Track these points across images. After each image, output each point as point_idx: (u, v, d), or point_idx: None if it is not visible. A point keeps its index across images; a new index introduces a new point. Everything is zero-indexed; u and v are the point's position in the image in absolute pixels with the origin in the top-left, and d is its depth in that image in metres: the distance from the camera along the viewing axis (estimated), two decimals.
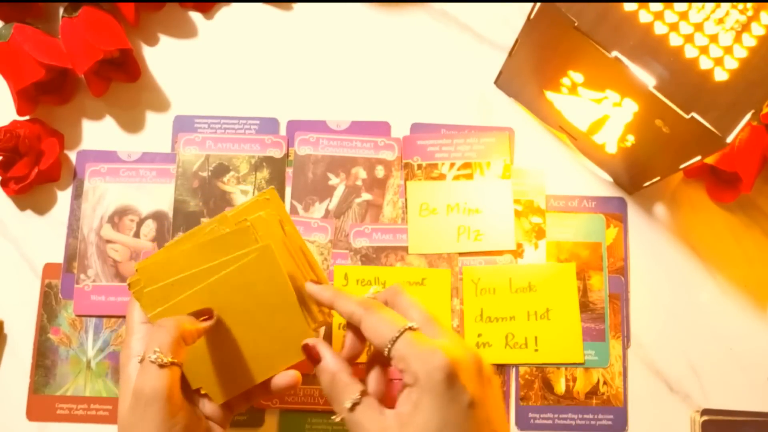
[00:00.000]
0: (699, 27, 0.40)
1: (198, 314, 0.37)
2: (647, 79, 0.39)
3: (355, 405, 0.34)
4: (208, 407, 0.40)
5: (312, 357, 0.37)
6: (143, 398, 0.34)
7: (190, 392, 0.39)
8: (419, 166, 0.54)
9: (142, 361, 0.34)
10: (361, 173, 0.54)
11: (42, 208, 0.54)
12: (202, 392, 0.39)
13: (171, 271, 0.38)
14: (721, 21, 0.40)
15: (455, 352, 0.33)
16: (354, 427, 0.34)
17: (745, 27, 0.40)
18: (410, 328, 0.34)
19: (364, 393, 0.35)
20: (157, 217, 0.53)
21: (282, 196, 0.53)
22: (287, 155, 0.54)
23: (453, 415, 0.32)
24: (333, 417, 0.35)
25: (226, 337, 0.38)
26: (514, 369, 0.51)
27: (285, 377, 0.40)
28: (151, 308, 0.38)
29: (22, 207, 0.54)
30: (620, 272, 0.53)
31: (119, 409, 0.36)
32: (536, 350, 0.51)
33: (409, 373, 0.33)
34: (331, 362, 0.36)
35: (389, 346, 0.33)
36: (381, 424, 0.33)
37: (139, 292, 0.38)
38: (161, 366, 0.34)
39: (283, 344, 0.38)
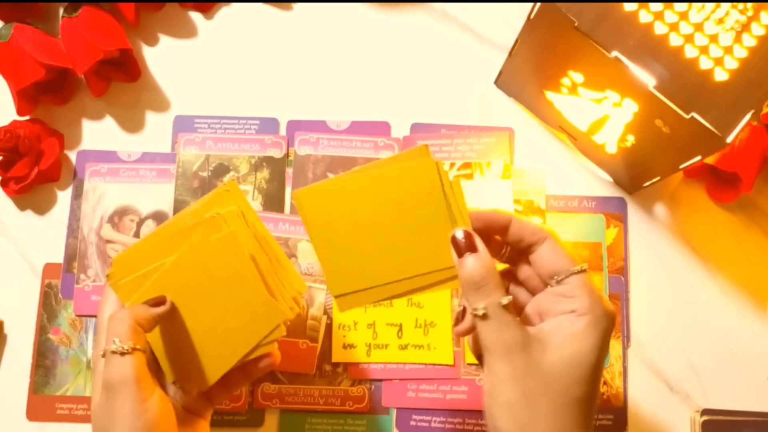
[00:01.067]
0: (699, 27, 0.40)
1: (154, 303, 0.37)
2: (647, 79, 0.39)
3: (509, 303, 0.34)
4: (186, 397, 0.40)
5: (468, 246, 0.35)
6: (112, 388, 0.34)
7: (166, 383, 0.40)
8: None
9: (104, 355, 0.35)
10: None
11: (42, 208, 0.54)
12: (178, 385, 0.39)
13: (145, 263, 0.39)
14: (721, 21, 0.40)
15: None
16: (499, 325, 0.33)
17: (745, 27, 0.40)
18: (589, 270, 0.36)
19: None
20: (157, 217, 0.53)
21: (282, 196, 0.53)
22: (287, 155, 0.54)
23: (603, 358, 0.34)
24: (477, 308, 0.33)
25: (193, 323, 0.39)
26: None
27: (266, 359, 0.40)
28: (128, 299, 0.38)
29: (22, 207, 0.54)
30: (620, 272, 0.53)
31: (92, 405, 0.36)
32: None
33: (586, 302, 0.34)
34: (489, 256, 0.35)
35: (571, 272, 0.35)
36: (525, 334, 0.33)
37: (115, 284, 0.39)
38: (123, 354, 0.34)
39: (252, 325, 0.39)
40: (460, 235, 0.35)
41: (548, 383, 0.32)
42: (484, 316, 0.33)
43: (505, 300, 0.33)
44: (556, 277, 0.35)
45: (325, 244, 0.37)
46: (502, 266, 0.39)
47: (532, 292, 0.37)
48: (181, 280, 0.38)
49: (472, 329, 0.35)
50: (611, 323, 0.34)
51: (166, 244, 0.38)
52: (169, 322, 0.38)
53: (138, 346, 0.35)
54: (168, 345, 0.39)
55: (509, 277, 0.39)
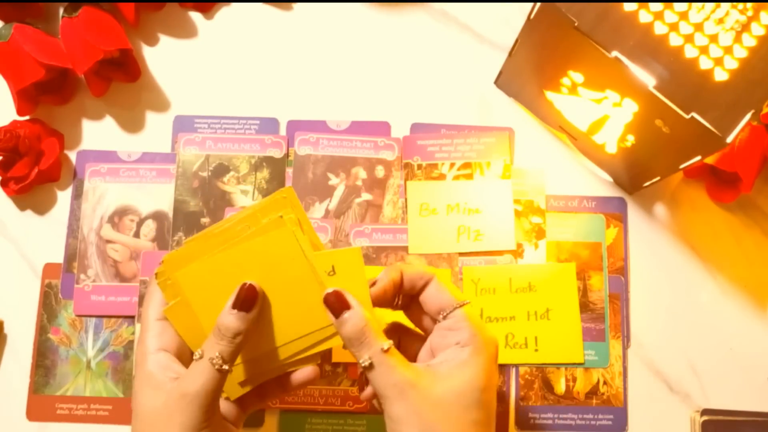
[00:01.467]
0: (699, 27, 0.40)
1: (243, 304, 0.37)
2: (647, 79, 0.39)
3: (390, 348, 0.35)
4: (222, 405, 0.40)
5: (339, 305, 0.37)
6: (189, 395, 0.34)
7: None
8: (419, 166, 0.54)
9: (199, 358, 0.35)
10: (361, 173, 0.54)
11: (42, 208, 0.54)
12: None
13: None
14: (721, 21, 0.40)
15: None
16: (385, 370, 0.35)
17: (745, 27, 0.40)
18: (469, 304, 0.38)
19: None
20: (157, 217, 0.53)
21: None
22: (287, 155, 0.54)
23: (494, 381, 0.36)
24: (362, 361, 0.35)
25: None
26: (514, 369, 0.51)
27: (305, 372, 0.40)
28: (173, 299, 0.38)
29: (22, 207, 0.54)
30: (620, 272, 0.53)
31: (137, 402, 0.36)
32: (536, 350, 0.51)
33: (468, 333, 0.36)
34: (362, 310, 0.37)
35: (454, 307, 0.37)
36: (413, 371, 0.35)
37: (163, 283, 0.38)
38: (218, 371, 0.35)
39: (308, 335, 0.39)
40: (331, 296, 0.37)
41: (443, 412, 0.34)
42: (370, 366, 0.35)
43: (386, 345, 0.35)
44: (442, 313, 0.38)
45: (211, 318, 0.38)
46: (396, 317, 0.42)
47: (427, 334, 0.40)
48: (236, 270, 0.38)
49: (373, 394, 0.37)
50: (494, 349, 0.37)
51: (219, 248, 0.38)
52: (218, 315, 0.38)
53: (231, 367, 0.36)
54: None
55: (401, 329, 0.41)
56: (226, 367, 0.35)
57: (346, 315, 0.36)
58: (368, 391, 0.38)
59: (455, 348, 0.36)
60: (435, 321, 0.38)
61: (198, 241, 0.39)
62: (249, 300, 0.37)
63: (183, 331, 0.39)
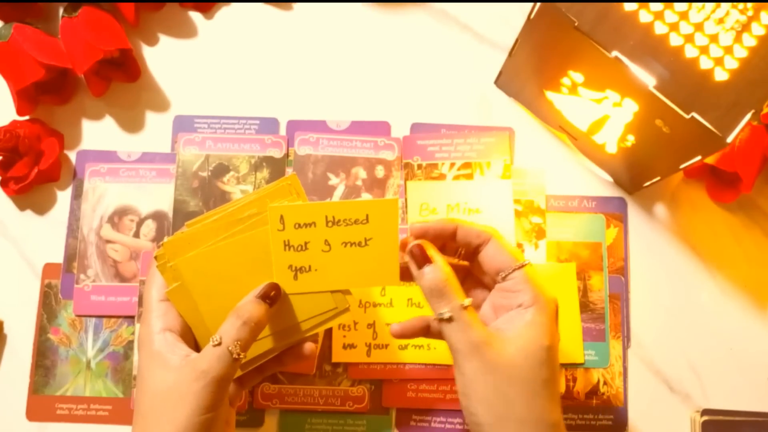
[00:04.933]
0: (699, 27, 0.40)
1: (265, 294, 0.38)
2: (647, 79, 0.39)
3: (469, 305, 0.36)
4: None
5: (422, 258, 0.38)
6: (204, 379, 0.35)
7: None
8: (419, 166, 0.54)
9: (218, 344, 0.36)
10: (361, 173, 0.54)
11: (42, 208, 0.54)
12: None
13: (196, 247, 0.39)
14: (721, 21, 0.40)
15: None
16: (463, 326, 0.36)
17: (745, 27, 0.40)
18: (530, 263, 0.38)
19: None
20: (157, 217, 0.53)
21: None
22: (287, 155, 0.54)
23: (556, 339, 0.37)
24: (442, 312, 0.36)
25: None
26: None
27: (303, 348, 0.41)
28: (174, 282, 0.39)
29: (22, 207, 0.54)
30: (620, 272, 0.53)
31: (144, 381, 0.36)
32: None
33: (529, 295, 0.37)
34: (444, 265, 0.38)
35: (513, 268, 0.38)
36: (486, 330, 0.36)
37: (163, 266, 0.39)
38: (235, 359, 0.36)
39: (309, 319, 0.40)
40: (415, 248, 0.38)
41: (515, 372, 0.35)
42: (450, 319, 0.36)
43: (466, 302, 0.36)
44: (501, 274, 0.38)
45: (211, 304, 0.39)
46: (462, 263, 0.42)
47: (489, 288, 0.41)
48: (235, 260, 0.39)
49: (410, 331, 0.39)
50: (555, 307, 0.38)
51: (221, 232, 0.39)
52: (218, 302, 0.39)
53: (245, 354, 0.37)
54: (214, 327, 0.39)
55: (469, 278, 0.42)
56: (242, 355, 0.36)
57: (428, 268, 0.37)
58: (397, 328, 0.40)
59: (518, 310, 0.37)
60: (495, 281, 0.39)
61: (199, 225, 0.39)
62: (274, 297, 0.38)
63: (186, 313, 0.39)
